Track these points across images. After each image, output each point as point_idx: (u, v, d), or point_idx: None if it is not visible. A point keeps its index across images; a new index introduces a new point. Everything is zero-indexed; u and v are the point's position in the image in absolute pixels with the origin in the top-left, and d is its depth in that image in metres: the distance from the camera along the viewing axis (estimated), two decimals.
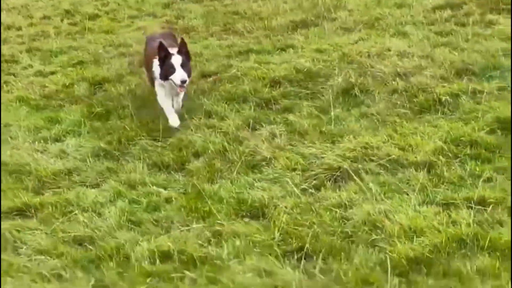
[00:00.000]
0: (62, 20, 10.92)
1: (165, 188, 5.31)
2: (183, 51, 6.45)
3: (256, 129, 6.21)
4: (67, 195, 5.27)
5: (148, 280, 4.08)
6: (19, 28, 10.68)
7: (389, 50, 7.63)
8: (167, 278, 4.09)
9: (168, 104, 6.55)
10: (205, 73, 7.81)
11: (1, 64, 8.96)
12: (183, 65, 6.33)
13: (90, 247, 4.51)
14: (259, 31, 9.27)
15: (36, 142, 6.36)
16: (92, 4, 11.64)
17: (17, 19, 11.15)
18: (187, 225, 4.67)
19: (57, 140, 6.44)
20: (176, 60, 6.34)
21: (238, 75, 7.51)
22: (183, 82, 6.29)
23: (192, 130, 6.24)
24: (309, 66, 7.43)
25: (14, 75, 8.56)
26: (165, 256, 4.31)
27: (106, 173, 5.65)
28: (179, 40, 6.69)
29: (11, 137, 6.51)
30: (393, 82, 6.67)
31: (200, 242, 4.42)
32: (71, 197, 5.23)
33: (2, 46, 9.67)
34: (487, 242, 3.99)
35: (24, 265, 4.34)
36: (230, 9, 10.59)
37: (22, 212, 5.07)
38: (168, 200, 5.10)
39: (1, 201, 5.19)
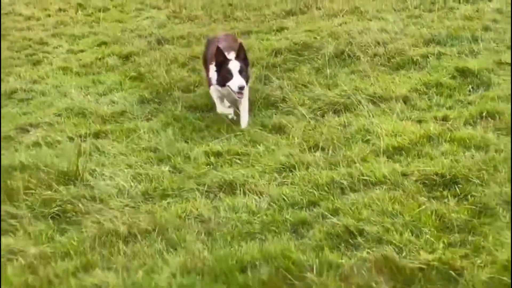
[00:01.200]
0: (76, 12, 12.68)
1: (201, 121, 7.09)
2: (241, 56, 6.70)
3: (266, 84, 8.03)
4: (128, 125, 7.03)
5: (206, 167, 5.87)
6: (39, 19, 12.42)
7: (369, 29, 9.52)
8: (220, 166, 5.88)
9: (220, 100, 6.93)
10: None
11: (31, 46, 10.68)
12: (241, 71, 6.59)
13: (157, 152, 6.27)
14: (255, 17, 11.15)
15: (89, 96, 8.09)
16: None
17: (35, 11, 12.88)
18: (227, 138, 6.47)
19: (104, 94, 8.19)
20: (234, 66, 6.61)
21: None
22: (241, 88, 6.52)
23: None
24: (304, 40, 9.30)
25: (48, 52, 10.28)
26: (216, 154, 6.10)
27: (153, 112, 7.44)
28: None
29: (65, 94, 8.24)
30: (374, 49, 8.56)
31: (241, 144, 6.24)
32: (131, 126, 6.99)
33: (28, 32, 11.40)
34: (447, 137, 5.87)
35: (110, 163, 6.09)
36: (225, 1, 12.45)
37: (96, 135, 6.81)
38: (207, 126, 6.89)
39: (75, 129, 6.92)
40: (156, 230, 4.79)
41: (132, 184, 5.50)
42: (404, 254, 4.23)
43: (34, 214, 5.18)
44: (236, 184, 5.37)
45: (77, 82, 8.67)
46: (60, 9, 12.97)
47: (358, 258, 4.26)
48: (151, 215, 5.01)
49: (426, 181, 5.10)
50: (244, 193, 5.24)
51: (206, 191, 5.35)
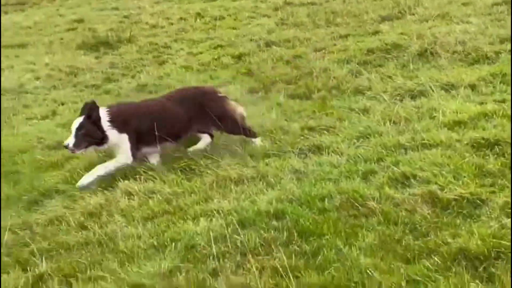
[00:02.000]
0: (195, 20, 14.65)
1: (299, 105, 8.73)
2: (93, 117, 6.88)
3: (357, 77, 9.59)
4: None
5: (300, 137, 7.50)
6: (163, 27, 14.46)
7: (453, 31, 10.90)
8: (312, 136, 7.50)
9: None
10: (317, 49, 11.27)
11: (157, 49, 12.67)
12: (79, 129, 6.79)
13: (262, 127, 7.94)
14: (354, 22, 12.72)
15: None
16: (217, 8, 15.36)
17: (159, 20, 14.95)
18: (319, 117, 8.08)
19: (219, 86, 9.96)
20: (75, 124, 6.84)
21: (341, 49, 10.96)
22: (65, 147, 6.87)
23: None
24: (394, 41, 10.81)
25: (171, 54, 12.24)
26: (309, 128, 7.72)
27: (260, 99, 9.16)
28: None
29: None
30: (454, 47, 9.97)
31: (330, 121, 7.85)
32: None
33: (154, 39, 13.42)
34: (501, 114, 7.25)
35: None
36: (328, 9, 14.07)
37: None
38: (305, 109, 8.52)
39: None
40: (259, 177, 6.46)
41: (241, 147, 7.22)
42: (445, 191, 5.70)
43: (168, 168, 6.97)
44: (322, 147, 6.98)
45: (197, 77, 10.51)
46: (181, 18, 14.98)
47: (409, 193, 5.76)
48: (255, 168, 6.69)
49: (474, 144, 6.53)
50: (328, 153, 6.83)
51: (299, 153, 6.98)
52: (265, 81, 9.81)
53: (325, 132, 7.50)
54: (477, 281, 4.53)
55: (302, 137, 7.47)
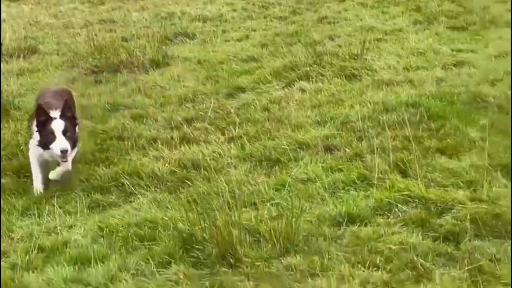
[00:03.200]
0: None
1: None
2: (68, 114, 6.33)
3: None
4: (402, 36, 10.58)
5: None
6: None
7: None
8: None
9: (37, 166, 6.53)
10: None
11: None
12: (65, 132, 6.23)
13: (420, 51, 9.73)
14: None
15: (378, 20, 11.72)
16: None
17: None
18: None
19: (389, 19, 11.76)
20: (57, 125, 6.23)
21: None
22: (64, 152, 6.19)
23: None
24: None
25: None
26: None
27: (422, 29, 10.90)
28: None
29: (361, 19, 11.94)
30: None
31: None
32: (403, 36, 10.53)
33: None
34: None
35: (386, 53, 9.69)
36: None
37: (378, 40, 10.43)
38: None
39: (361, 37, 10.60)
40: (406, 81, 8.33)
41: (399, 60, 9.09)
42: None
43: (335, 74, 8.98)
44: (464, 63, 8.74)
45: (370, 12, 12.35)
46: None
47: None
48: (405, 74, 8.55)
49: None
50: (469, 68, 8.58)
51: (443, 66, 8.76)
52: (429, 15, 11.48)
53: (470, 52, 9.17)
54: None
55: (449, 56, 9.18)
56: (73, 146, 6.40)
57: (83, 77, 9.94)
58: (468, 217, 5.32)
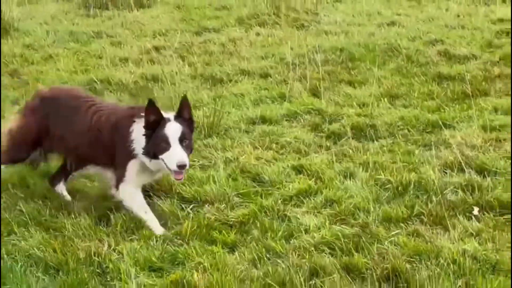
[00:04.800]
0: None
1: None
2: (185, 115, 5.36)
3: None
4: None
5: None
6: None
7: None
8: None
9: (144, 202, 5.56)
10: None
11: None
12: (182, 139, 5.22)
13: None
14: None
15: None
16: None
17: None
18: None
19: None
20: (173, 130, 5.23)
21: None
22: (181, 167, 5.16)
23: None
24: None
25: None
26: None
27: None
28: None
29: None
30: None
31: None
32: None
33: None
34: None
35: None
36: None
37: None
38: None
39: None
40: None
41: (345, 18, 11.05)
42: None
43: None
44: None
45: None
46: None
47: None
48: None
49: None
50: None
51: None
52: None
53: (406, 16, 11.13)
54: None
55: (387, 18, 11.12)
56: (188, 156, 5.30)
57: (76, 10, 11.94)
58: (350, 124, 7.28)
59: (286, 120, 7.61)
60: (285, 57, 9.35)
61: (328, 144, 6.98)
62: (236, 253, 5.20)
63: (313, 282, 4.75)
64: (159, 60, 9.40)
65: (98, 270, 5.00)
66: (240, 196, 5.95)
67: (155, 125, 5.23)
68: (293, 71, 8.77)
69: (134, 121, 5.39)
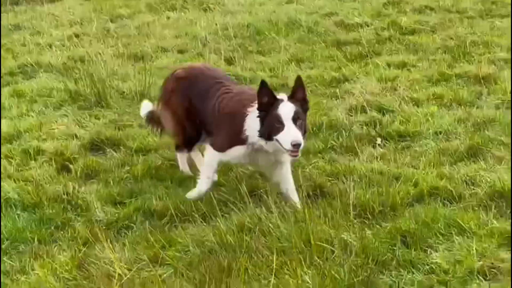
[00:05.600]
0: None
1: None
2: (299, 96, 5.49)
3: None
4: None
5: None
6: None
7: None
8: None
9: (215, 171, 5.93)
10: None
11: None
12: (296, 119, 5.32)
13: None
14: None
15: None
16: None
17: None
18: None
19: None
20: (287, 110, 5.34)
21: None
22: (297, 146, 5.24)
23: None
24: None
25: None
26: None
27: None
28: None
29: None
30: None
31: None
32: None
33: None
34: None
35: None
36: None
37: None
38: None
39: None
40: None
41: None
42: None
43: None
44: None
45: None
46: None
47: None
48: None
49: None
50: None
51: None
52: None
53: None
54: None
55: None
56: (304, 136, 5.40)
57: None
58: None
59: None
60: (198, 35, 10.42)
61: None
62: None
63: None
64: (81, 44, 10.33)
65: (69, 206, 5.95)
66: None
67: (268, 106, 5.36)
68: (207, 46, 9.85)
69: (249, 109, 5.55)
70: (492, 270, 4.77)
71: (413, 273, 4.80)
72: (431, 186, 5.85)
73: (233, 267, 4.77)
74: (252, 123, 5.47)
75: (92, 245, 5.34)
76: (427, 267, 4.86)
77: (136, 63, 9.56)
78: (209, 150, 5.84)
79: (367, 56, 9.13)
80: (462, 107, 7.47)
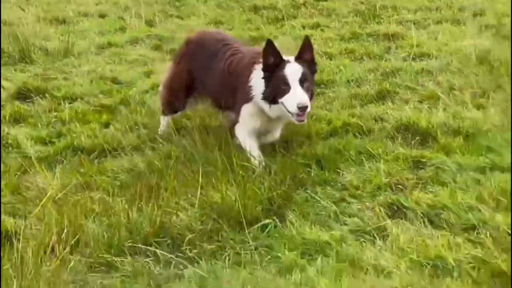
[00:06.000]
0: None
1: None
2: (307, 57, 5.23)
3: None
4: None
5: None
6: None
7: None
8: None
9: (254, 142, 5.50)
10: None
11: None
12: (303, 80, 5.09)
13: None
14: None
15: None
16: None
17: None
18: None
19: None
20: (293, 71, 5.10)
21: None
22: (303, 109, 5.02)
23: None
24: None
25: None
26: None
27: None
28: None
29: None
30: None
31: None
32: None
33: None
34: None
35: None
36: None
37: None
38: None
39: None
40: None
41: None
42: None
43: None
44: None
45: None
46: None
47: None
48: None
49: None
50: None
51: None
52: None
53: None
54: None
55: None
56: (311, 99, 5.22)
57: None
58: None
59: (130, 44, 9.05)
60: (118, 1, 10.75)
61: (169, 58, 8.47)
62: (111, 126, 6.57)
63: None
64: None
65: None
66: (104, 93, 7.35)
67: (274, 67, 5.12)
68: (128, 11, 10.20)
69: (255, 66, 5.32)
70: (398, 186, 5.25)
71: (327, 189, 5.23)
72: (344, 123, 6.31)
73: (161, 186, 5.12)
74: (257, 82, 5.27)
75: (26, 174, 5.61)
76: (340, 184, 5.31)
77: (58, 26, 9.82)
78: (235, 129, 5.58)
79: (283, 19, 9.61)
80: (372, 59, 8.00)
